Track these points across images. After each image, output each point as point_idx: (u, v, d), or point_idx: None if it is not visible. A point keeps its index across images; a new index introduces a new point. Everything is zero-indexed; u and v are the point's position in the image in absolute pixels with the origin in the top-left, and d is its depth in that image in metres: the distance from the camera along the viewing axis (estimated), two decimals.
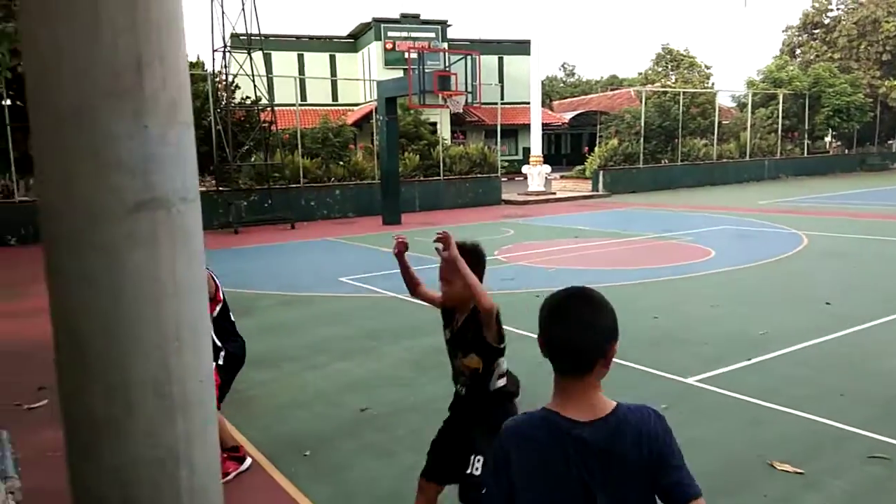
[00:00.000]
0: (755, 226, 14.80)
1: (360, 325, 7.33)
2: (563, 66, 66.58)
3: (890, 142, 38.48)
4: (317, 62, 36.58)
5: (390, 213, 17.71)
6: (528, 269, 10.41)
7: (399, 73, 23.20)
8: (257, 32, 18.00)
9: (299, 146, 19.66)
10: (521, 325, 7.02)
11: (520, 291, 8.82)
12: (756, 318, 7.08)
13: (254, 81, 17.82)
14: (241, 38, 18.11)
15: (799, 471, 3.80)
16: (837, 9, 38.09)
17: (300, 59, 36.41)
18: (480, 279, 2.66)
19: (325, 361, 6.09)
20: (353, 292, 9.14)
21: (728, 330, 6.69)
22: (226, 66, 17.87)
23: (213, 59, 18.10)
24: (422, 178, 21.83)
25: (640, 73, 39.38)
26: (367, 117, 27.72)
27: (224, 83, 18.28)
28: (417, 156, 22.28)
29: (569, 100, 48.72)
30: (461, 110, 19.14)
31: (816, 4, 38.30)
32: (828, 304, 7.52)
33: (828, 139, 36.36)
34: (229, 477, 3.91)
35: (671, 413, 4.63)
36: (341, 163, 20.77)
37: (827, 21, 38.18)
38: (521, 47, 33.93)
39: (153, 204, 1.43)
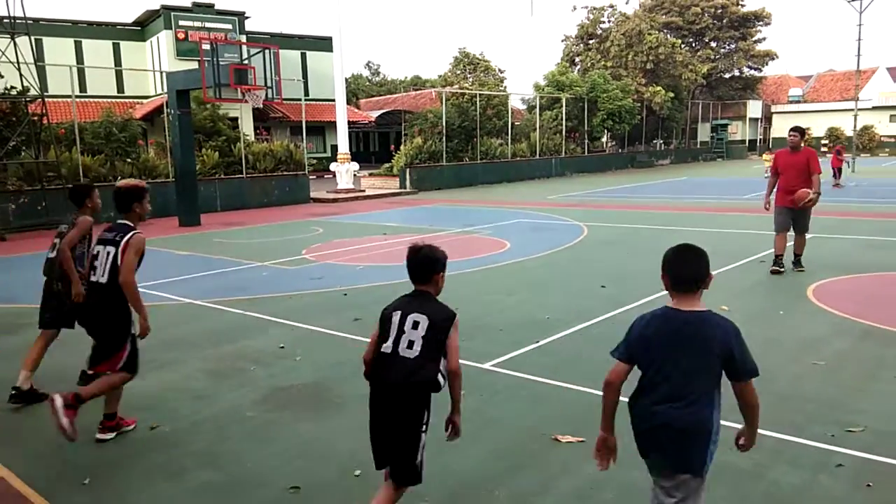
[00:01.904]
0: (544, 219, 16.08)
1: (150, 336, 6.76)
2: (368, 64, 67.02)
3: (655, 141, 43.80)
4: (98, 50, 33.22)
5: (187, 213, 16.64)
6: (337, 268, 10.37)
7: (193, 65, 21.85)
8: (22, 15, 15.95)
9: (78, 142, 17.74)
10: (328, 324, 6.99)
11: (327, 290, 8.75)
12: (544, 304, 7.70)
13: (19, 70, 15.78)
14: (4, 20, 15.96)
15: (580, 439, 4.20)
16: (608, 21, 42.48)
17: (78, 46, 32.86)
18: (438, 281, 3.20)
19: None
20: (144, 301, 8.43)
21: (520, 316, 7.19)
22: None
23: None
24: (223, 177, 20.78)
25: (439, 76, 40.78)
26: (158, 111, 25.75)
27: None
28: (217, 153, 21.18)
29: (375, 98, 49.13)
30: (261, 105, 18.48)
31: (591, 16, 42.38)
32: (603, 287, 8.38)
33: (604, 139, 40.50)
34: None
35: (469, 398, 4.90)
36: (129, 160, 19.08)
37: (600, 32, 42.42)
38: (324, 43, 33.59)
39: None
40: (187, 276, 10.11)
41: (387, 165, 29.93)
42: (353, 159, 24.97)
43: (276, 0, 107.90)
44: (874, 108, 48.08)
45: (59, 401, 3.99)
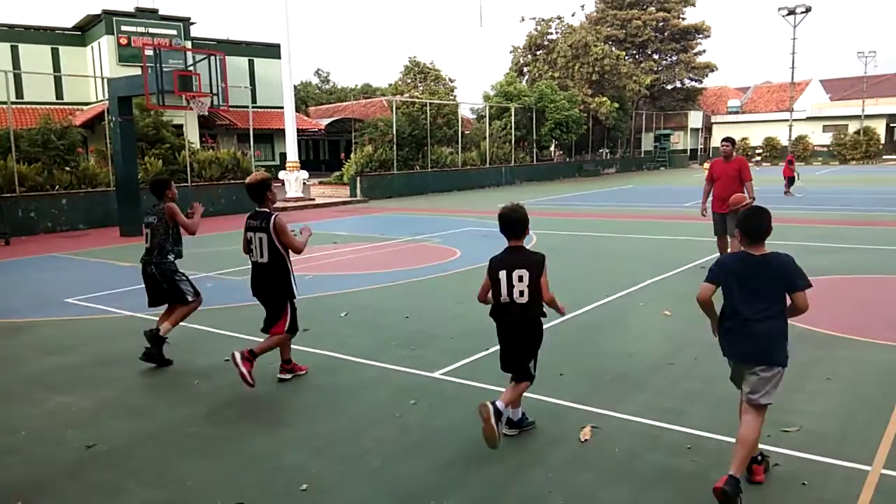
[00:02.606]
0: (494, 227, 16.02)
1: (89, 352, 6.57)
2: (317, 72, 66.46)
3: (601, 150, 44.71)
4: (36, 55, 32.01)
5: (129, 223, 16.12)
6: None
7: (136, 71, 21.30)
8: None
9: (13, 149, 17.03)
10: None
11: None
12: None
13: None
14: None
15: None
16: (556, 32, 43.19)
17: (14, 50, 31.60)
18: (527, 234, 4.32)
19: (45, 396, 5.33)
20: (83, 314, 8.15)
21: (470, 324, 7.21)
22: None
23: None
24: None
25: (390, 84, 40.74)
26: (99, 118, 24.96)
27: None
28: (160, 161, 20.62)
29: (325, 106, 48.77)
30: (206, 112, 18.11)
31: (539, 28, 43.01)
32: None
33: (552, 148, 41.11)
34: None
35: (419, 407, 4.89)
36: (68, 168, 18.41)
37: (547, 43, 43.10)
38: (272, 50, 33.12)
39: None
40: (129, 287, 9.77)
41: (337, 174, 29.72)
42: (302, 167, 24.69)
43: (223, 6, 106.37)
44: (808, 118, 50.19)
45: (237, 355, 5.04)
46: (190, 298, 6.12)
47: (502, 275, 4.13)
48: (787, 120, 35.85)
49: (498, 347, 6.30)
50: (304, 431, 4.59)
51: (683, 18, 50.54)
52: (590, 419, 4.61)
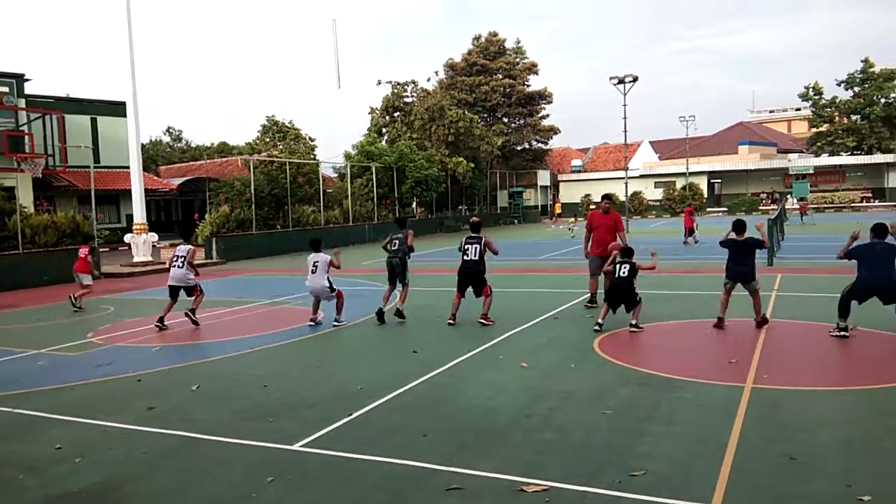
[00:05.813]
0: (358, 285, 16.13)
1: None
2: (168, 129, 63.60)
3: (460, 207, 46.24)
4: None
5: None
6: (129, 350, 9.46)
7: None
8: None
9: None
10: (117, 417, 6.28)
11: (117, 377, 7.93)
12: (356, 374, 7.62)
13: None
14: None
15: None
16: (412, 96, 44.65)
17: None
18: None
19: None
20: None
21: (331, 389, 7.04)
22: None
23: None
24: None
25: (247, 143, 39.88)
26: None
27: None
28: None
29: (177, 165, 46.70)
30: (40, 174, 16.73)
31: (395, 91, 44.29)
32: (415, 352, 8.51)
33: (414, 205, 41.94)
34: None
35: (277, 484, 4.65)
36: None
37: (403, 106, 44.41)
38: (118, 108, 31.39)
39: None
40: None
41: None
42: (152, 229, 23.34)
43: (63, 62, 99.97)
44: (641, 176, 55.10)
45: (483, 321, 10.07)
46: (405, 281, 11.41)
47: (617, 266, 9.24)
48: (623, 178, 39.12)
49: (363, 411, 6.23)
50: None
51: (528, 85, 54.27)
52: (453, 480, 4.61)
